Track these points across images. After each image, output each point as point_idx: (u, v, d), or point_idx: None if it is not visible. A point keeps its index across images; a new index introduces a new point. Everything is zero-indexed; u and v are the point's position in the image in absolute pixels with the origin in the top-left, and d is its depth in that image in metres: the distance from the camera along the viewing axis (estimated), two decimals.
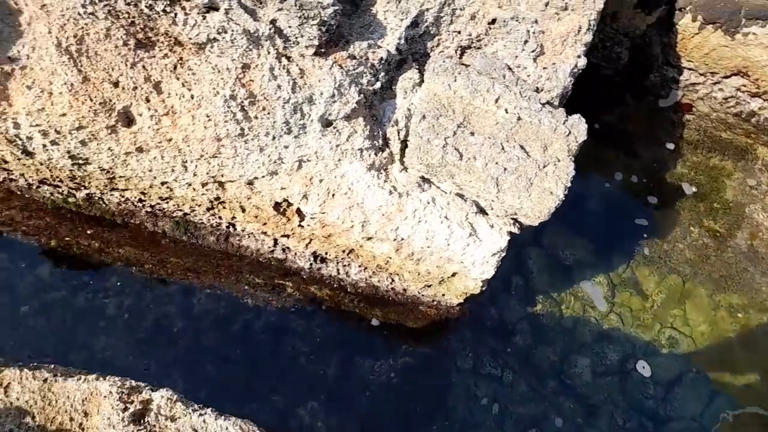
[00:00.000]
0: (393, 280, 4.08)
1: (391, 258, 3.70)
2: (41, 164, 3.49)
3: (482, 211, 3.33)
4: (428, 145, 3.09)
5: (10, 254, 4.09)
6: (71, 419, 2.68)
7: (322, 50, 3.11)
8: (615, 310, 4.74)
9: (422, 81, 3.30)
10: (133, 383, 2.52)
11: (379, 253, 3.68)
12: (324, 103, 3.11)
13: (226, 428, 2.28)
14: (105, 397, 2.45)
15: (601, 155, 5.30)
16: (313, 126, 3.19)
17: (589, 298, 4.76)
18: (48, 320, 4.05)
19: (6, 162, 3.57)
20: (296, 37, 3.04)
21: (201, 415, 2.32)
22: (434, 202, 3.31)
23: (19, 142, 3.29)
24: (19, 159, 3.47)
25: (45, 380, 2.73)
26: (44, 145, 3.29)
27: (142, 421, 2.33)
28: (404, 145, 3.32)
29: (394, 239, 3.48)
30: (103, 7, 2.97)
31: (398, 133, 3.27)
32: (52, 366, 2.92)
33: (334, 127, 3.21)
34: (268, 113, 3.14)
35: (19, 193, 3.95)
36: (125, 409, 2.33)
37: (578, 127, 3.07)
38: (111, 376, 2.64)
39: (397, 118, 3.28)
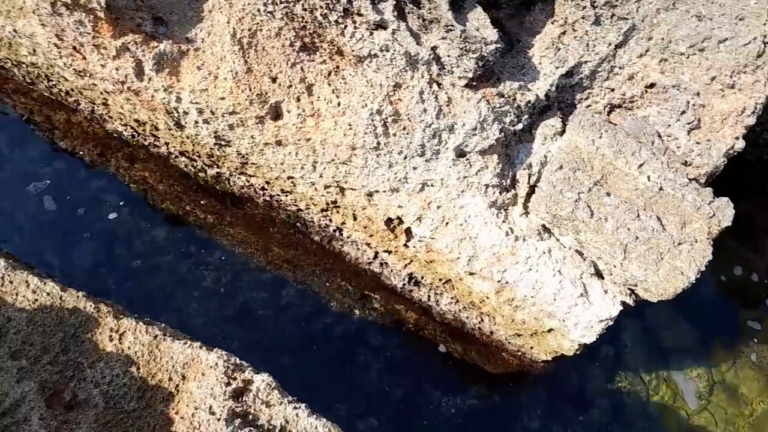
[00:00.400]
0: (482, 320, 4.02)
1: (488, 298, 3.65)
2: (187, 138, 3.77)
3: (599, 273, 3.21)
4: (560, 196, 3.03)
5: (135, 211, 4.41)
6: (170, 379, 2.83)
7: (474, 83, 3.15)
8: (709, 409, 4.38)
9: (564, 131, 3.26)
10: (237, 361, 2.63)
11: (477, 290, 3.64)
12: (464, 134, 3.15)
13: (316, 427, 2.32)
14: (211, 367, 2.57)
15: (723, 243, 4.95)
16: (446, 154, 3.23)
17: (681, 389, 4.43)
18: (153, 279, 4.33)
19: (157, 129, 3.88)
20: (452, 67, 3.10)
21: (295, 408, 2.38)
22: (550, 254, 3.23)
23: (176, 115, 3.57)
24: (169, 129, 3.77)
25: (155, 337, 2.91)
26: (196, 122, 3.55)
27: (240, 399, 2.43)
28: (532, 190, 3.28)
29: (498, 281, 3.43)
30: (283, 8, 3.18)
31: (529, 177, 3.24)
32: (163, 325, 3.11)
33: (467, 159, 3.23)
34: (408, 133, 3.22)
35: (158, 158, 4.29)
36: (228, 384, 2.44)
37: (725, 211, 2.90)
38: (218, 349, 2.77)
39: (531, 163, 3.25)
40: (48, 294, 2.91)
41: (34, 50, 3.63)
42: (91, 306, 2.93)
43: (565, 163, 3.07)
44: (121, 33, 3.33)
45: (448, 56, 3.08)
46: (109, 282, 4.23)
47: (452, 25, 2.98)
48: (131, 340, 2.89)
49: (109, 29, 3.29)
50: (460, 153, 3.24)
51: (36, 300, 2.88)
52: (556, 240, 3.25)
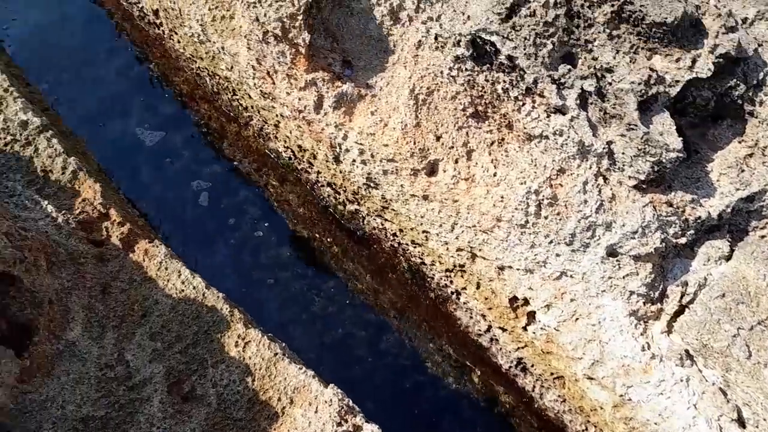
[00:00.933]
0: (587, 429, 3.74)
1: (602, 409, 3.40)
2: (340, 172, 3.98)
3: (742, 422, 2.89)
4: (716, 326, 2.80)
5: (270, 226, 4.69)
6: (279, 399, 2.91)
7: (643, 186, 3.05)
8: None
9: (731, 256, 3.03)
10: (350, 403, 2.65)
11: (592, 397, 3.41)
12: (621, 234, 3.03)
13: None
14: (326, 402, 2.61)
15: None
16: (596, 249, 3.12)
17: None
18: (267, 291, 4.53)
19: (315, 158, 4.14)
20: (624, 165, 3.03)
21: None
22: (687, 383, 2.97)
23: (337, 150, 3.79)
24: (326, 161, 4.00)
25: (275, 354, 3.03)
26: (354, 160, 3.75)
27: None
28: (681, 310, 3.06)
29: (620, 395, 3.19)
30: (466, 75, 3.31)
31: (681, 295, 3.03)
32: (284, 344, 3.23)
33: (617, 260, 3.10)
34: (561, 219, 3.16)
35: (305, 183, 4.56)
36: (339, 424, 2.46)
37: None
38: (333, 385, 2.81)
39: (687, 281, 3.04)
40: (194, 288, 3.14)
41: (232, 67, 4.06)
42: (227, 309, 3.12)
43: (728, 292, 2.84)
44: (313, 69, 3.63)
45: (623, 154, 3.01)
46: (228, 284, 4.48)
47: (635, 125, 2.92)
48: (254, 351, 3.02)
49: (304, 64, 3.61)
50: (612, 252, 3.11)
51: (183, 291, 3.12)
52: (698, 370, 2.98)
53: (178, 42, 4.54)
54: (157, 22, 4.68)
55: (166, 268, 3.17)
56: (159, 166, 4.78)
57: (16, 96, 3.59)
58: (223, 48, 3.98)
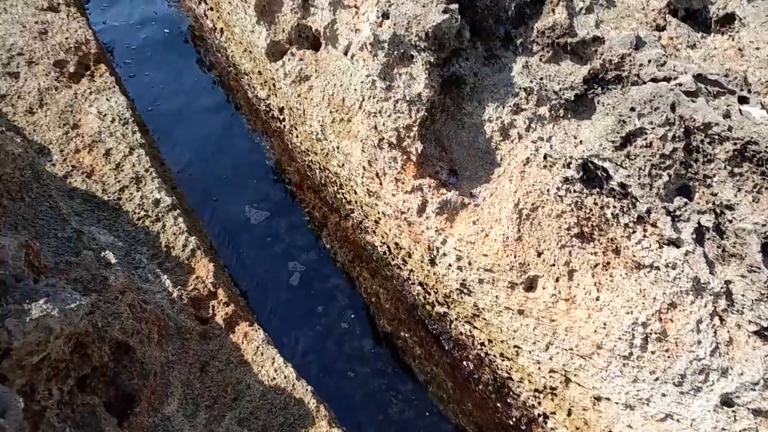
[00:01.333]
0: None
1: None
2: (434, 274, 4.01)
3: None
4: None
5: (355, 317, 4.74)
6: None
7: (765, 333, 2.82)
8: None
9: None
10: None
11: None
12: (738, 384, 2.78)
13: None
14: None
15: None
16: (709, 396, 2.87)
17: None
18: (346, 384, 4.50)
19: (410, 257, 4.23)
20: (744, 308, 2.84)
21: None
22: None
23: (435, 253, 3.86)
24: (421, 261, 4.07)
25: None
26: (450, 265, 3.78)
27: None
28: None
29: None
30: (574, 196, 3.33)
31: None
32: None
33: (733, 411, 2.82)
34: (669, 357, 2.97)
35: (395, 279, 4.63)
36: None
37: None
38: None
39: None
40: (285, 377, 3.20)
41: (343, 165, 4.34)
42: (313, 404, 3.13)
43: None
44: (420, 175, 3.80)
45: (743, 296, 2.84)
46: (310, 370, 4.51)
47: (758, 268, 2.77)
48: None
49: (413, 170, 3.79)
50: (727, 402, 2.85)
51: (274, 379, 3.19)
52: None
53: (297, 137, 4.94)
54: (281, 117, 5.15)
55: (262, 354, 3.27)
56: (260, 245, 5.06)
57: (154, 176, 4.02)
58: (338, 147, 4.29)
